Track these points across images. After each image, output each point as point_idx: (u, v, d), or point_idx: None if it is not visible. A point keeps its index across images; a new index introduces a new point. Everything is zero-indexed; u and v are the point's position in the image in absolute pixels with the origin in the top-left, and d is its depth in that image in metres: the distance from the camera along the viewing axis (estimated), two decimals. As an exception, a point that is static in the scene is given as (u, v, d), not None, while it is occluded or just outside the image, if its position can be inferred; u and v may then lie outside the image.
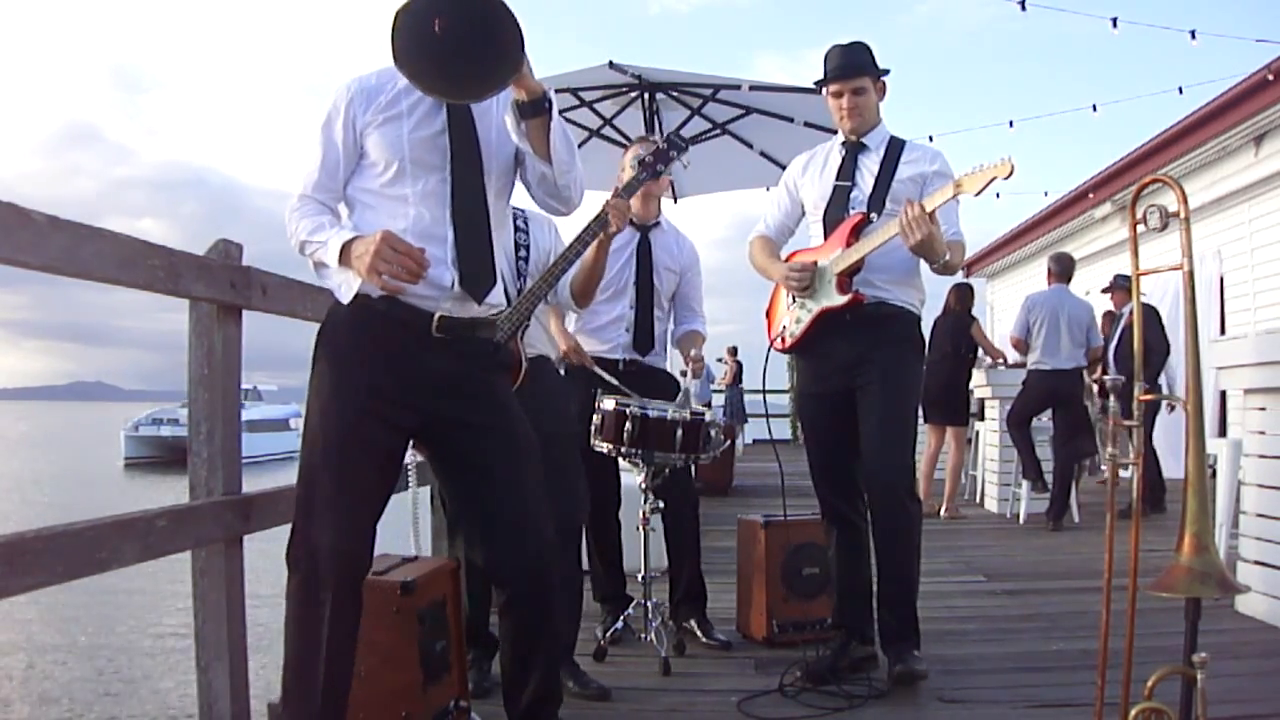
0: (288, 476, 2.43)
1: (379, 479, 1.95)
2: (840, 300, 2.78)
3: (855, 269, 2.77)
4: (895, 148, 2.87)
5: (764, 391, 3.56)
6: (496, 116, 2.02)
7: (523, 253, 2.89)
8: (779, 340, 2.99)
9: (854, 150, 2.89)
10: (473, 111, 2.00)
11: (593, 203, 2.56)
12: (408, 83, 1.94)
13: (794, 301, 2.92)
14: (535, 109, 1.91)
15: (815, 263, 2.84)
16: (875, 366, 2.78)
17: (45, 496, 17.25)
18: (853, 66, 2.83)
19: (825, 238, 2.87)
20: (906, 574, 2.80)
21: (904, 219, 2.59)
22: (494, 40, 1.77)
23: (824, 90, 2.92)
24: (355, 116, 1.96)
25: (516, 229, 2.91)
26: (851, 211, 2.82)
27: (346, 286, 1.93)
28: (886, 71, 2.88)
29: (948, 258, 2.70)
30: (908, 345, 2.87)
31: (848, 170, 2.88)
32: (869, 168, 2.86)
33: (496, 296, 2.05)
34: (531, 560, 1.98)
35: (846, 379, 2.83)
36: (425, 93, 1.87)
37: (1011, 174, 2.51)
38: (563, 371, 3.18)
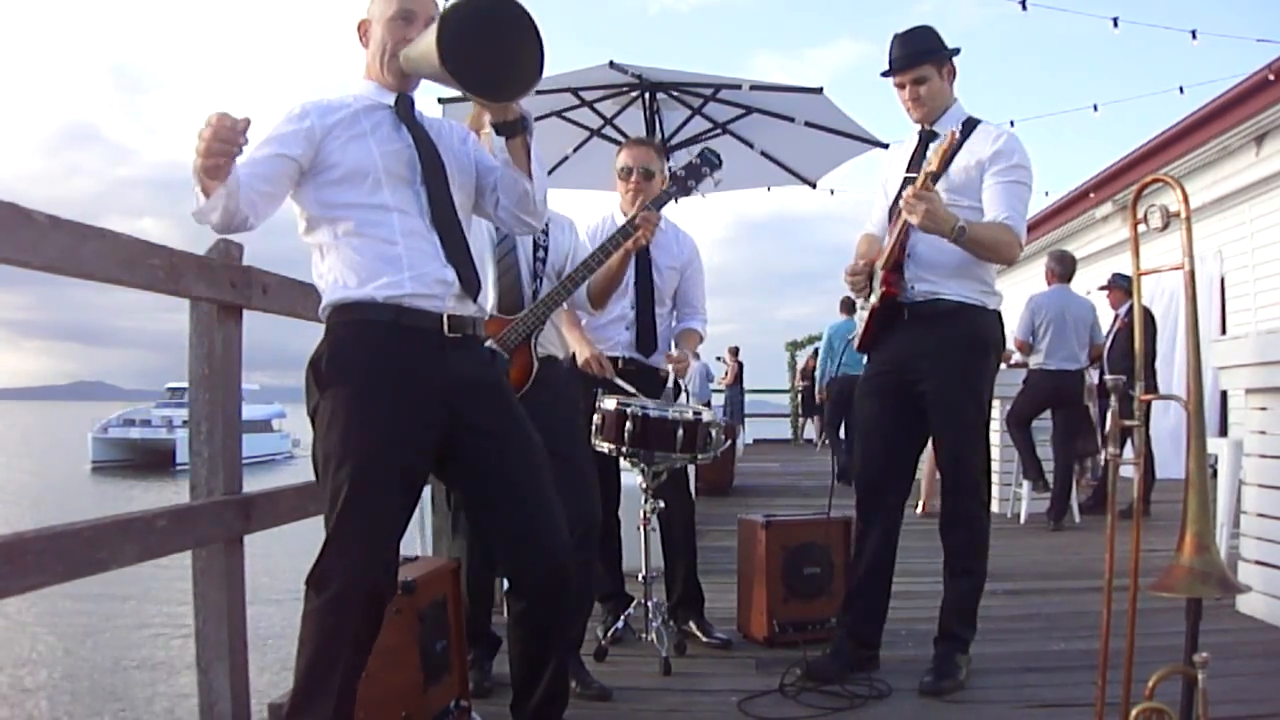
0: (272, 480, 2.43)
1: (404, 502, 1.94)
2: (876, 294, 2.78)
3: (897, 262, 2.75)
4: (964, 132, 2.77)
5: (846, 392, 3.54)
6: (452, 142, 2.10)
7: (540, 254, 2.85)
8: (856, 339, 3.01)
9: (925, 139, 2.84)
10: (429, 132, 2.06)
11: (596, 203, 2.58)
12: (364, 105, 2.02)
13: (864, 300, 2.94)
14: (516, 128, 2.00)
15: (871, 263, 2.83)
16: (931, 377, 2.74)
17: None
18: (911, 56, 2.77)
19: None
20: (976, 584, 2.89)
21: (902, 200, 2.58)
22: (521, 50, 1.87)
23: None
24: (314, 125, 1.96)
25: None
26: None
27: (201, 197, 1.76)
28: (956, 51, 2.78)
29: (959, 224, 2.56)
30: (968, 344, 2.77)
31: (917, 161, 2.82)
32: None
33: (485, 300, 2.09)
34: (553, 569, 2.00)
35: (900, 376, 2.81)
36: (462, 85, 1.86)
37: (951, 142, 2.55)
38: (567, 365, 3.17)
